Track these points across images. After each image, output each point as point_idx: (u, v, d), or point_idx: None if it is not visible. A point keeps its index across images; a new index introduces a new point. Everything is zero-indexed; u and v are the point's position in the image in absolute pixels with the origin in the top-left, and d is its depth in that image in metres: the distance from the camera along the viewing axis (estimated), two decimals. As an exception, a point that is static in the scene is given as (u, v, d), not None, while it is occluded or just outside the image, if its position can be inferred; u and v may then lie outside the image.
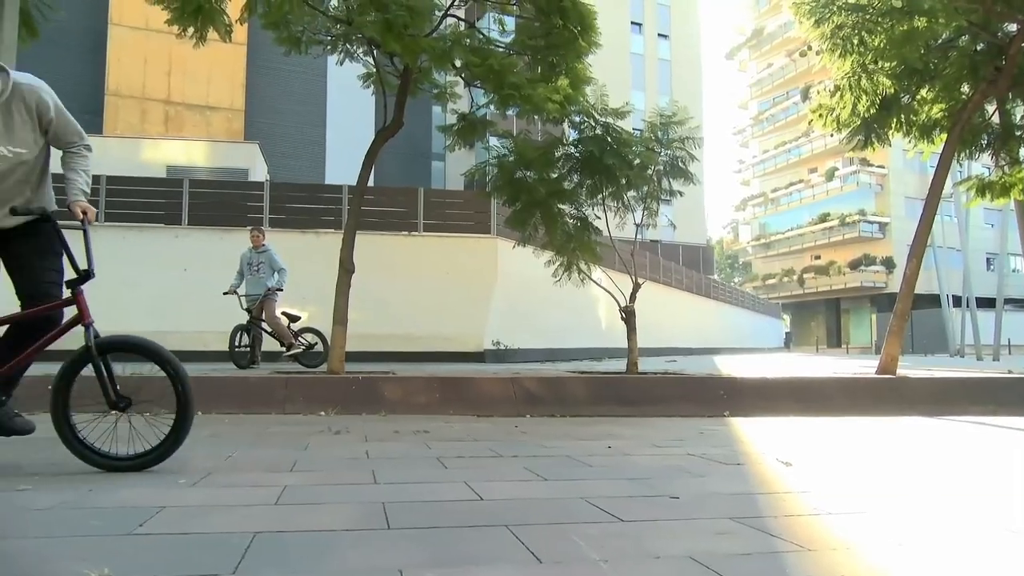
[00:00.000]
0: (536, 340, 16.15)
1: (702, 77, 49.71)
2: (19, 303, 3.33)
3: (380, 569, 1.76)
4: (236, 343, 9.36)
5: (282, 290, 9.63)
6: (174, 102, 25.04)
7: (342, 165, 24.26)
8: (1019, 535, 2.15)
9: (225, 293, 9.60)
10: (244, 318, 9.60)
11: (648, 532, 2.16)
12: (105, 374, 3.22)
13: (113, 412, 3.22)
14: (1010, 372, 9.23)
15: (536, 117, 8.48)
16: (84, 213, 3.31)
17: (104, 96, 24.29)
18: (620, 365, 8.70)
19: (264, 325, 9.53)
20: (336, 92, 26.70)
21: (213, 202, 14.24)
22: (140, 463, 3.17)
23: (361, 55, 8.33)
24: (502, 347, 14.76)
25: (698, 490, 2.86)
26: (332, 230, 13.53)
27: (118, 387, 3.24)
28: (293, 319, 9.71)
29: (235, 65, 25.27)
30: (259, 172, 20.02)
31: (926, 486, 3.02)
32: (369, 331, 11.95)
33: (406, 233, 14.52)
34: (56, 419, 3.17)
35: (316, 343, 9.70)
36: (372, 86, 8.94)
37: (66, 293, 3.26)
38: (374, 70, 8.52)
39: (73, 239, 3.28)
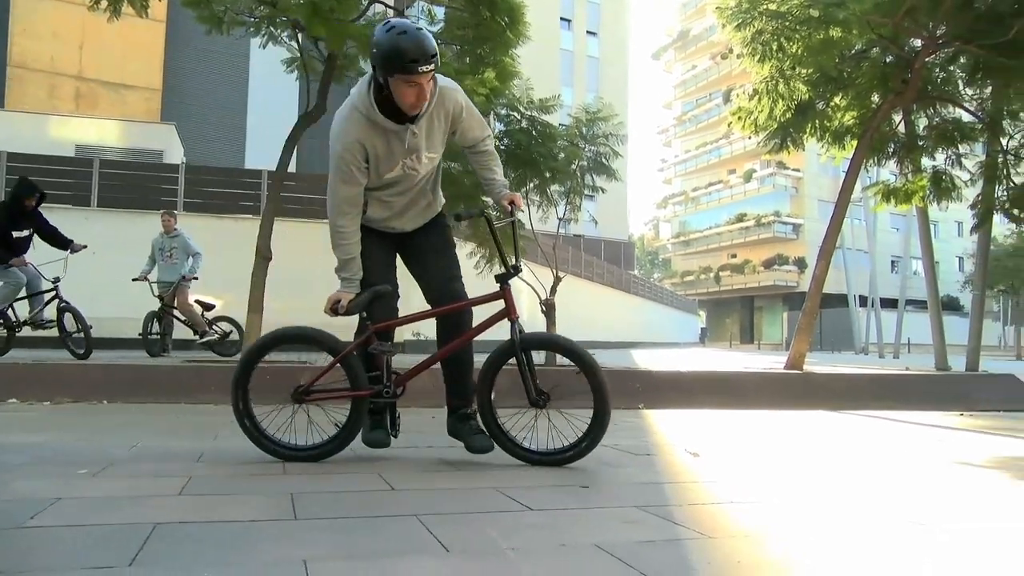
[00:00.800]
0: (458, 332, 16.13)
1: (629, 76, 50.37)
2: (427, 303, 3.39)
3: (284, 560, 1.73)
4: (148, 330, 9.06)
5: (197, 278, 9.36)
6: (86, 78, 23.98)
7: (264, 151, 23.62)
8: (919, 525, 2.26)
9: (135, 279, 9.26)
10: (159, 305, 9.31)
11: (557, 521, 2.18)
12: (527, 369, 3.23)
13: (533, 408, 3.23)
14: (907, 369, 9.70)
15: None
16: (512, 203, 3.34)
17: (6, 68, 23.07)
18: (540, 357, 8.75)
19: (176, 313, 9.25)
20: (259, 76, 26.01)
21: (125, 184, 13.73)
22: (559, 459, 3.19)
23: (285, 39, 8.16)
24: (423, 338, 14.68)
25: (608, 480, 2.91)
26: (250, 216, 13.23)
27: (539, 383, 3.24)
28: (207, 307, 9.44)
29: (153, 43, 24.37)
30: (175, 154, 19.36)
31: (828, 477, 3.14)
32: (287, 320, 11.64)
33: (327, 221, 14.30)
34: (484, 413, 3.26)
35: (231, 331, 9.46)
36: (296, 71, 8.77)
37: (459, 290, 3.35)
38: (298, 54, 8.35)
39: None
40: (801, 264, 51.55)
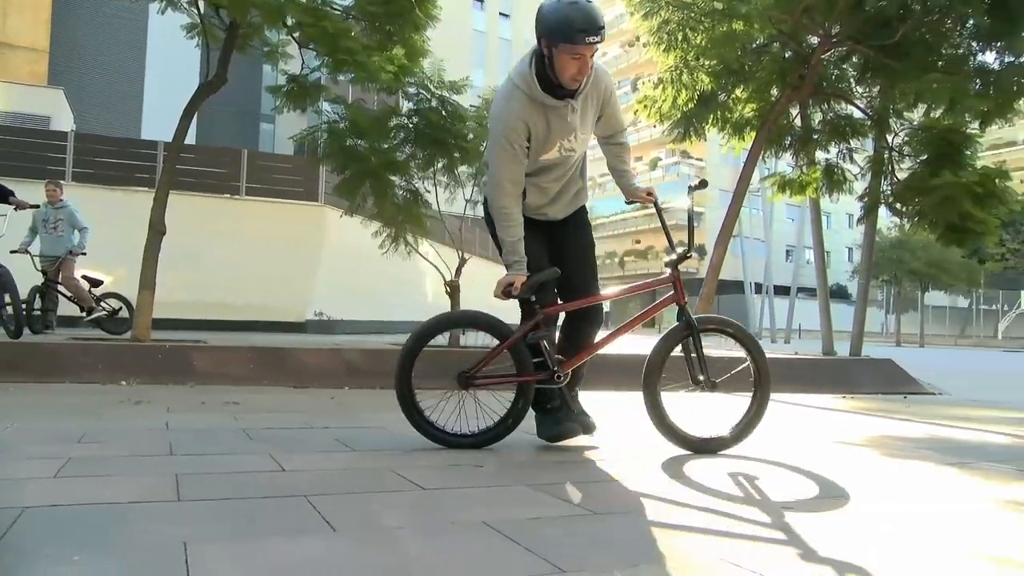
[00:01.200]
0: (362, 312, 15.94)
1: (540, 60, 50.52)
2: (559, 296, 3.34)
3: (163, 542, 1.68)
4: (32, 306, 8.57)
5: (85, 253, 8.91)
6: (-39, 35, 22.35)
7: (161, 121, 22.54)
8: (792, 511, 2.37)
9: (14, 251, 8.69)
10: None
11: (448, 500, 2.19)
12: (695, 353, 3.26)
13: (697, 388, 3.25)
14: (796, 353, 10.14)
15: (371, 85, 8.30)
16: (650, 194, 3.50)
17: None
18: (445, 339, 8.75)
19: (62, 288, 8.79)
20: (158, 41, 24.81)
21: (6, 151, 12.92)
22: (717, 445, 3.26)
23: (185, 4, 7.80)
24: (325, 318, 14.47)
25: (505, 459, 2.94)
26: (145, 188, 12.66)
27: (706, 367, 3.25)
28: (95, 283, 9.00)
29: (38, 0, 22.89)
30: (64, 121, 18.32)
31: (718, 457, 3.25)
32: (182, 298, 11.33)
33: (228, 196, 13.84)
34: (655, 403, 3.21)
35: (120, 308, 9.07)
36: (197, 38, 8.41)
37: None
38: (199, 21, 8.01)
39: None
40: (702, 251, 53.05)
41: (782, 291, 36.86)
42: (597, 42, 2.95)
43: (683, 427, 3.26)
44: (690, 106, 9.81)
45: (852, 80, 10.24)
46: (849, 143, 10.76)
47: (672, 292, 3.37)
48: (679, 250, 3.35)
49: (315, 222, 14.29)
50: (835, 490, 2.59)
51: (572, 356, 3.30)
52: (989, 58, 9.11)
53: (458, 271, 8.53)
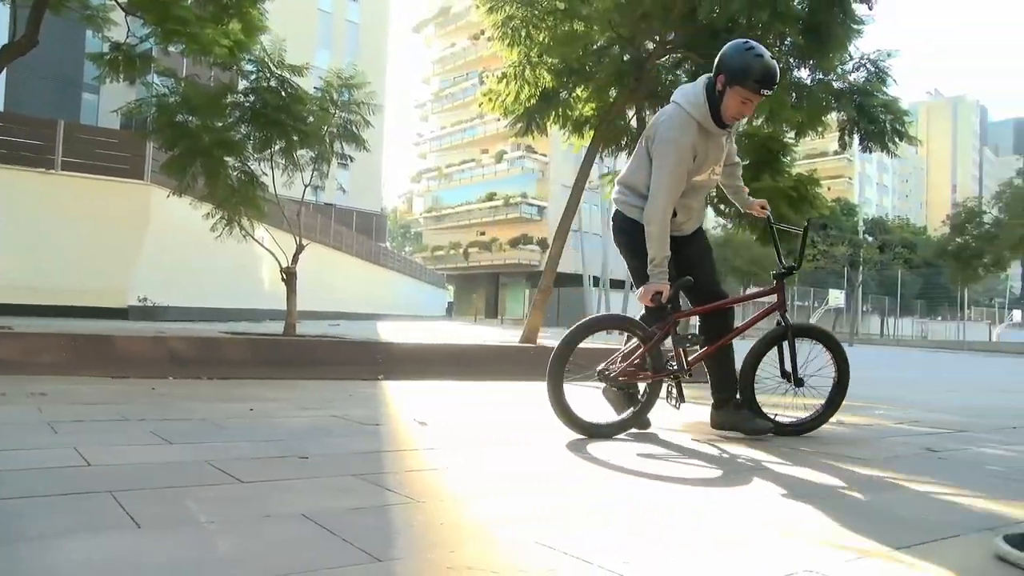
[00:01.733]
0: (192, 298, 15.17)
1: (388, 46, 49.90)
2: (691, 300, 3.79)
3: (-63, 546, 1.53)
4: None
5: None
6: None
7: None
8: (607, 480, 2.46)
9: None
10: None
11: (266, 493, 2.13)
12: (793, 354, 3.80)
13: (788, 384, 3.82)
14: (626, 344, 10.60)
15: (206, 59, 7.90)
16: (764, 208, 4.00)
17: None
18: (280, 327, 8.49)
19: None
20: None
21: None
22: (798, 429, 3.83)
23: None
24: (150, 304, 13.64)
25: (330, 450, 2.88)
26: (-59, 158, 11.45)
27: (797, 365, 3.79)
28: None
29: None
30: None
31: (537, 442, 3.35)
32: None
33: (41, 170, 12.74)
34: (750, 396, 3.77)
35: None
36: (2, -7, 7.68)
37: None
38: (5, -25, 7.31)
39: None
40: (544, 244, 54.40)
41: (619, 285, 38.40)
42: (768, 94, 3.54)
43: (772, 414, 3.82)
44: (533, 102, 10.01)
45: (684, 86, 10.78)
46: (680, 146, 11.32)
47: (776, 300, 3.89)
48: (786, 264, 3.85)
49: (140, 201, 13.40)
50: (647, 469, 2.73)
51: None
52: (804, 74, 9.87)
53: (295, 258, 8.27)
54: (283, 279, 8.18)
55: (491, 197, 59.65)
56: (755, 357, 3.79)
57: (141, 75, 8.28)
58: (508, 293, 60.80)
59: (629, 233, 3.77)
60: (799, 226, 4.26)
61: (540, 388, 3.49)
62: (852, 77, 9.66)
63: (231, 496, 2.07)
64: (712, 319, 3.82)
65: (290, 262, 8.20)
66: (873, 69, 9.55)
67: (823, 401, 3.92)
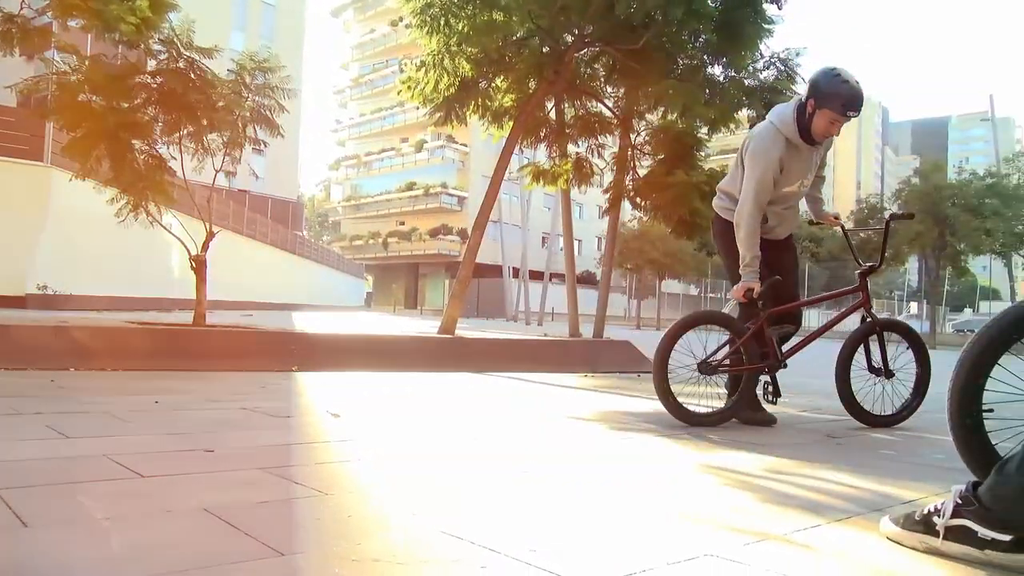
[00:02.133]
0: (96, 287, 14.54)
1: (305, 29, 48.78)
2: (760, 301, 3.99)
3: None
4: None
5: None
6: None
7: None
8: (524, 472, 2.48)
9: None
10: None
11: (168, 487, 2.06)
12: (883, 347, 4.20)
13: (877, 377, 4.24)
14: (545, 335, 10.71)
15: (110, 36, 7.53)
16: (837, 218, 4.55)
17: None
18: (190, 317, 8.22)
19: None
20: None
21: None
22: (892, 420, 4.22)
23: None
24: (50, 292, 13.02)
25: (237, 443, 2.81)
26: None
27: (887, 359, 4.23)
28: None
29: None
30: None
31: (451, 432, 3.35)
32: None
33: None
34: (848, 392, 4.22)
35: None
36: None
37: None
38: None
39: None
40: (464, 235, 54.25)
41: (537, 276, 38.68)
42: (853, 116, 3.88)
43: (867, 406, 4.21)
44: (452, 91, 9.95)
45: (602, 80, 10.92)
46: (598, 139, 11.46)
47: (860, 298, 4.23)
48: (868, 264, 4.19)
49: (39, 185, 12.75)
50: (556, 458, 2.76)
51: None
52: (717, 71, 10.12)
53: (205, 245, 8.02)
54: (192, 267, 7.92)
55: (411, 186, 59.16)
56: (849, 351, 4.23)
57: (39, 51, 7.83)
58: (428, 283, 60.50)
59: (724, 235, 4.23)
60: (879, 225, 4.89)
61: (459, 378, 3.48)
62: (763, 75, 9.94)
63: (129, 491, 1.99)
64: (784, 319, 4.22)
65: (200, 250, 7.95)
66: (783, 68, 9.86)
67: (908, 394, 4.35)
